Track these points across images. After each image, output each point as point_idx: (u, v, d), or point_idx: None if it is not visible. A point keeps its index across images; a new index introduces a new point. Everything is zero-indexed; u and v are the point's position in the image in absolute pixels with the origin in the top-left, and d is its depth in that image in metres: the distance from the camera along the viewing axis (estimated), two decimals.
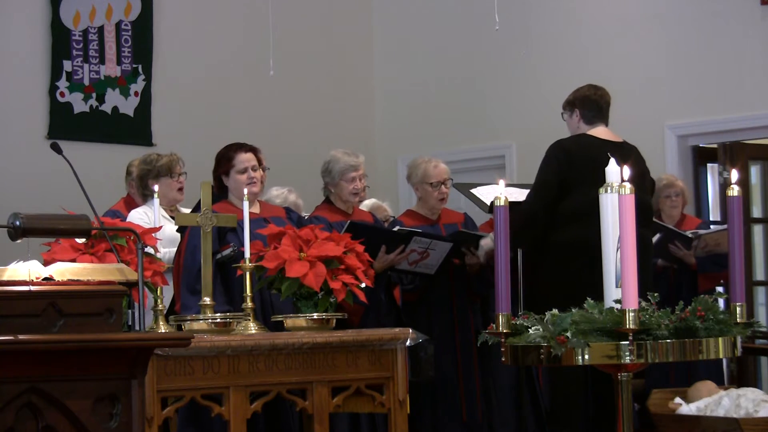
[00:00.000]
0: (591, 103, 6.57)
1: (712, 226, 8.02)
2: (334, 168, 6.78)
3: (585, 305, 3.60)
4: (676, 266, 7.68)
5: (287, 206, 6.87)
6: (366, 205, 7.56)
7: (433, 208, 7.19)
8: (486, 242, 6.88)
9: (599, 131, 6.52)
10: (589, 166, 6.26)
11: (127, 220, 6.50)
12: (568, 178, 6.29)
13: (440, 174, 7.13)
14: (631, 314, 3.42)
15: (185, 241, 6.06)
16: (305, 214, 7.07)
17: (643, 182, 6.45)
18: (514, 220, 6.48)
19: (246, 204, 5.53)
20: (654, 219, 7.80)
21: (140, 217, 6.55)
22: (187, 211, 6.66)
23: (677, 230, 7.67)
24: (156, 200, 5.67)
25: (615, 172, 3.63)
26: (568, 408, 6.25)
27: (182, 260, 6.01)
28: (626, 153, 6.34)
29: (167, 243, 6.40)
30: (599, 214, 6.02)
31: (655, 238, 7.62)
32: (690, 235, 7.58)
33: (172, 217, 6.44)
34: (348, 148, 7.00)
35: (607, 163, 6.16)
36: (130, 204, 7.30)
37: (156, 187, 5.93)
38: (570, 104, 6.63)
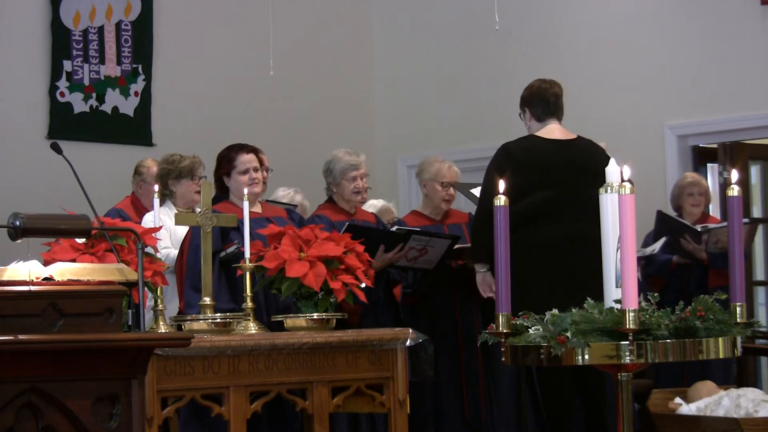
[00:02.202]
0: (537, 98, 6.33)
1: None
2: (336, 168, 6.78)
3: (585, 305, 3.60)
4: (690, 262, 7.69)
5: (297, 210, 6.90)
6: (374, 206, 7.57)
7: (437, 207, 7.21)
8: (479, 281, 6.67)
9: (550, 129, 6.28)
10: (537, 168, 6.21)
11: (142, 223, 6.49)
12: (515, 183, 6.10)
13: (453, 176, 7.20)
14: (631, 314, 3.42)
15: (188, 240, 6.06)
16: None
17: (593, 179, 6.32)
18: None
19: (246, 204, 5.53)
20: (664, 213, 7.81)
21: (152, 221, 6.54)
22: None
23: (687, 224, 7.68)
24: (156, 201, 5.68)
25: (615, 171, 3.63)
26: (562, 411, 6.24)
27: (185, 259, 6.02)
28: (579, 151, 6.20)
29: (177, 244, 6.40)
30: (548, 217, 6.08)
31: (660, 242, 7.62)
32: (699, 229, 7.59)
33: None
34: (347, 148, 7.01)
35: (556, 164, 6.15)
36: (136, 203, 7.31)
37: (156, 188, 5.92)
38: (521, 103, 6.42)
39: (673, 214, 7.99)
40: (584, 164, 6.14)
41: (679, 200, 8.02)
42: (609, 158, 5.85)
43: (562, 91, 6.37)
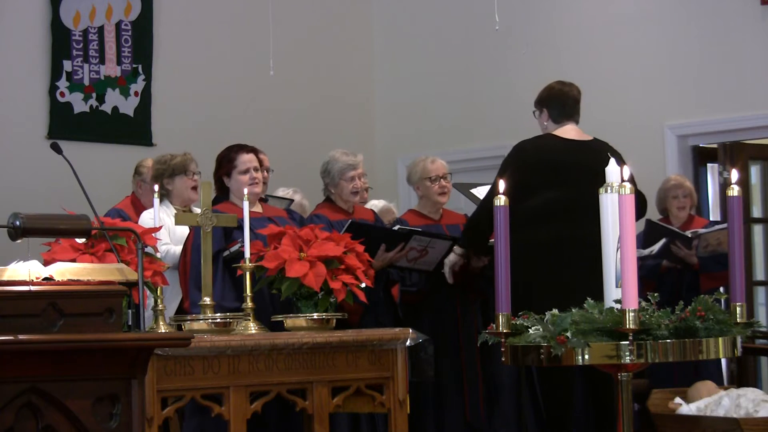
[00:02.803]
0: (555, 100, 6.35)
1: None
2: (333, 168, 6.78)
3: (585, 305, 3.60)
4: (680, 267, 7.68)
5: (293, 207, 6.90)
6: (375, 206, 7.57)
7: (435, 204, 7.19)
8: (449, 259, 6.78)
9: (566, 130, 6.32)
10: (548, 167, 6.23)
11: (139, 222, 6.50)
12: (525, 181, 6.13)
13: (438, 168, 7.17)
14: (631, 314, 3.42)
15: (191, 239, 6.06)
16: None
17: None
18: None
19: (246, 204, 5.53)
20: (653, 220, 7.80)
21: (151, 218, 6.54)
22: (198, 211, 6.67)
23: (677, 230, 7.67)
24: (156, 200, 5.68)
25: (615, 172, 3.63)
26: (562, 411, 6.24)
27: (189, 258, 6.02)
28: (592, 152, 6.20)
29: (177, 242, 6.41)
30: (558, 215, 6.10)
31: (660, 244, 7.62)
32: (689, 235, 7.58)
33: None
34: (347, 148, 7.00)
35: (568, 164, 6.17)
36: (136, 203, 7.31)
37: (156, 187, 5.93)
38: (538, 103, 6.44)
39: (658, 217, 7.98)
40: (597, 165, 6.15)
41: (665, 203, 8.01)
42: (623, 162, 5.91)
43: (580, 95, 6.41)
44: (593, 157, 6.20)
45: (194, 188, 6.81)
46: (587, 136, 6.36)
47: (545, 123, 6.41)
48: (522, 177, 6.10)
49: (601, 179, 6.21)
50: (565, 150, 6.23)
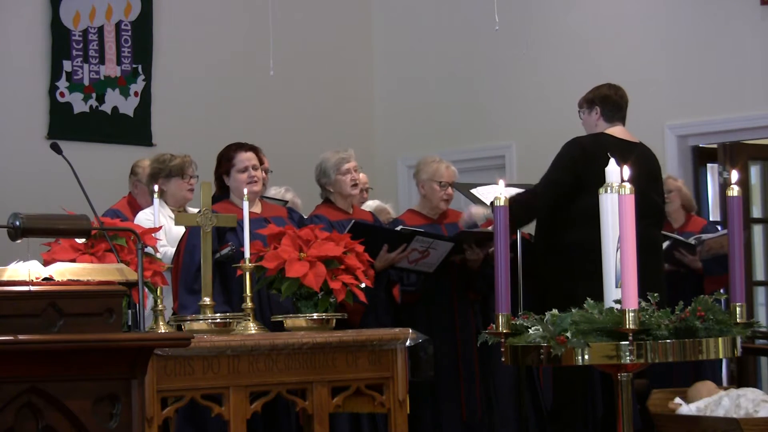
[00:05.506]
0: (611, 102, 6.55)
1: (718, 227, 8.01)
2: (327, 166, 6.77)
3: (585, 305, 3.60)
4: (683, 270, 7.68)
5: (288, 206, 6.89)
6: (369, 206, 7.57)
7: (435, 207, 7.21)
8: (477, 211, 6.81)
9: (616, 130, 6.50)
10: (605, 165, 6.27)
11: (135, 221, 6.51)
12: (582, 177, 6.23)
13: (451, 176, 7.20)
14: (631, 314, 3.42)
15: (184, 240, 6.06)
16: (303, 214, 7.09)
17: (654, 184, 6.45)
18: (517, 201, 6.48)
19: (246, 204, 5.53)
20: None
21: (147, 218, 6.53)
22: (195, 211, 6.67)
23: (680, 239, 7.66)
24: (156, 200, 5.67)
25: (615, 172, 3.63)
26: (569, 407, 6.24)
27: (180, 260, 6.01)
28: (639, 154, 6.34)
29: (173, 242, 6.41)
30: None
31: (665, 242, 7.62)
32: (693, 242, 7.58)
33: None
34: (347, 148, 6.99)
35: (621, 163, 6.22)
36: (132, 204, 7.31)
37: (156, 187, 5.93)
38: (589, 102, 6.57)
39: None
40: (648, 167, 6.31)
41: None
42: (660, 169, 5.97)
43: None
44: (644, 158, 6.31)
45: (190, 190, 6.83)
46: (635, 138, 6.49)
47: (596, 122, 6.55)
48: (577, 174, 6.20)
49: (652, 181, 6.34)
50: (619, 149, 6.25)
